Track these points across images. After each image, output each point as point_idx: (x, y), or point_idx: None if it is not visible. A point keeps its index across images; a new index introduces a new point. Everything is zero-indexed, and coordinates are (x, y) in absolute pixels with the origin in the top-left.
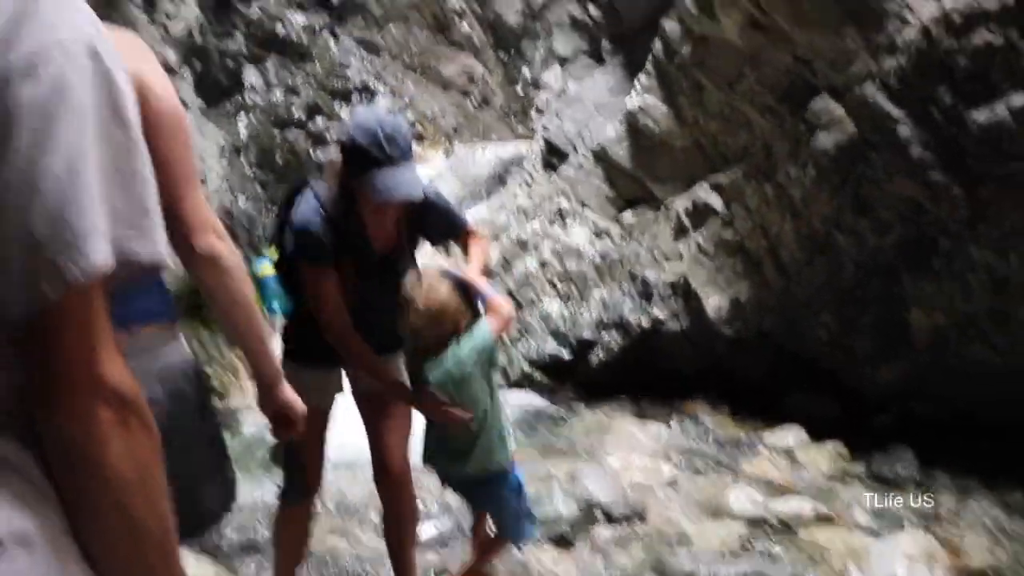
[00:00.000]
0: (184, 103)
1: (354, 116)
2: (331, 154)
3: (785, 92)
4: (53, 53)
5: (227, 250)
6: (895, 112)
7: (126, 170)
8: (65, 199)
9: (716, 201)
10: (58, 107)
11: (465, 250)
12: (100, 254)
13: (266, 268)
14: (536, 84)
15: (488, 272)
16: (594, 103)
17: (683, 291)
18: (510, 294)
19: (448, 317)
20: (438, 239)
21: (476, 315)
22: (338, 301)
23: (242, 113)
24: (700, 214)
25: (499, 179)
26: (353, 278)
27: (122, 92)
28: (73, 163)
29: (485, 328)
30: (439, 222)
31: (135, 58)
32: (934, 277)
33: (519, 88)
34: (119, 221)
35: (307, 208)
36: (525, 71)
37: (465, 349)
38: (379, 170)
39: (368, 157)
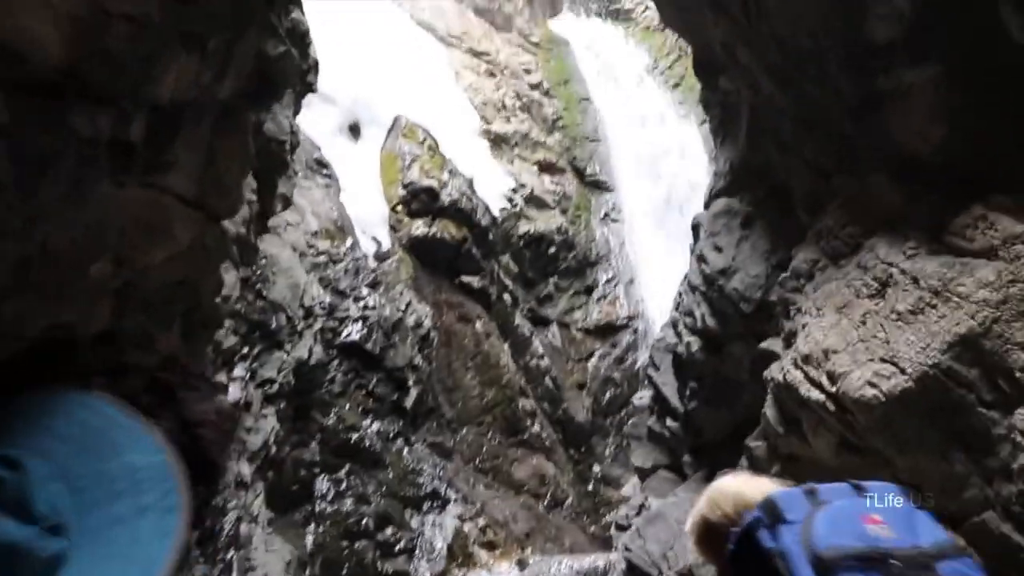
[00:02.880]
0: (253, 517)
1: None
2: None
3: None
4: None
5: None
6: None
7: None
8: None
9: None
10: None
11: None
12: None
13: None
14: (606, 481)
15: None
16: (678, 521)
17: None
18: None
19: None
20: None
21: None
22: None
23: (312, 524)
24: None
25: None
26: None
27: None
28: None
29: None
30: None
31: None
32: None
33: (590, 486)
34: None
35: None
36: (596, 468)
37: None
38: None
39: None
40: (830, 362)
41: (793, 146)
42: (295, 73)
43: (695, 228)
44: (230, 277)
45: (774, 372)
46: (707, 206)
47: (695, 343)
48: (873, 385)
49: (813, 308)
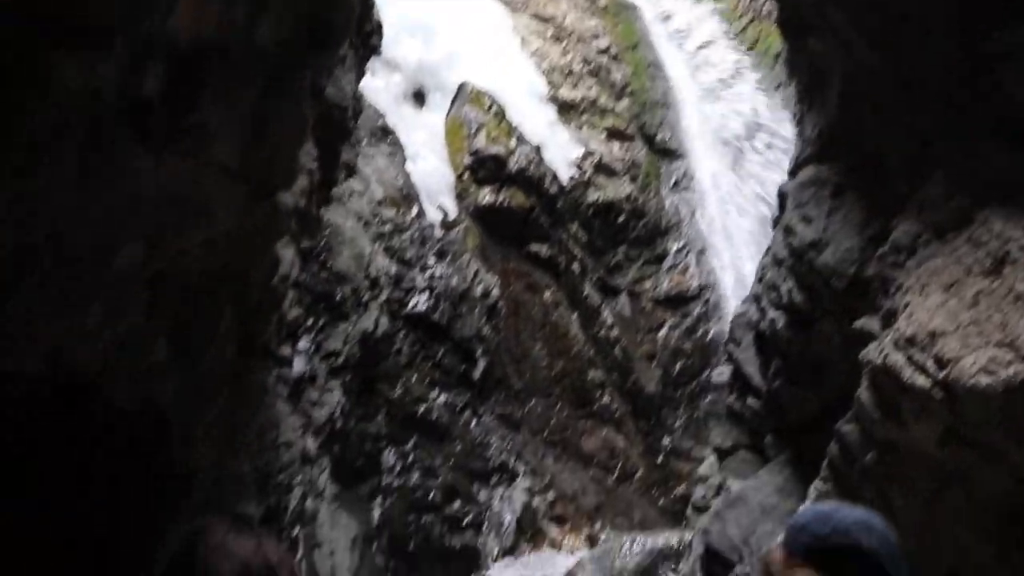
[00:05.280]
0: (318, 493)
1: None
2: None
3: (1010, 515)
4: None
5: None
6: None
7: None
8: None
9: None
10: None
11: None
12: None
13: None
14: (676, 454)
15: None
16: (760, 505)
17: None
18: None
19: None
20: None
21: None
22: None
23: (378, 498)
24: None
25: (647, 574)
26: None
27: None
28: None
29: None
30: None
31: None
32: None
33: (660, 458)
34: None
35: None
36: (665, 440)
37: None
38: None
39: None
40: (937, 345)
41: (890, 111)
42: (353, 20)
43: (781, 198)
44: (288, 253)
45: (871, 354)
46: (793, 175)
47: (780, 319)
48: (989, 372)
49: (917, 286)
